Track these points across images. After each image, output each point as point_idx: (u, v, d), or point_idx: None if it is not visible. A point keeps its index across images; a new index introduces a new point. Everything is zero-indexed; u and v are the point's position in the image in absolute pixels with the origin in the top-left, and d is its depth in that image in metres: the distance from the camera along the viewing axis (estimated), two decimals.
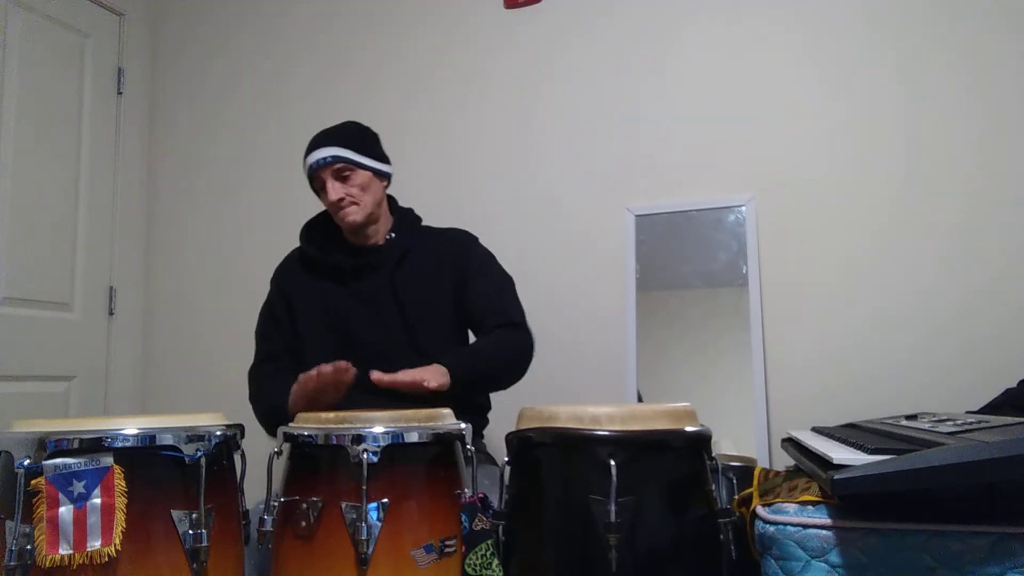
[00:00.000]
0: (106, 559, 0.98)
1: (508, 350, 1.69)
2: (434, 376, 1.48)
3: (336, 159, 1.66)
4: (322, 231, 1.79)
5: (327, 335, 1.70)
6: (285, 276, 1.81)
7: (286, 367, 1.71)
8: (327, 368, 1.43)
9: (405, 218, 1.81)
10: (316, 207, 1.85)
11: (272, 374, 1.72)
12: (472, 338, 1.78)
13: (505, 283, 1.78)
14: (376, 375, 1.45)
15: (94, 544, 0.98)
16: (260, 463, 1.19)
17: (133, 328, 2.78)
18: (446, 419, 1.24)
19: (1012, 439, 0.94)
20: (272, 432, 1.58)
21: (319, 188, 1.71)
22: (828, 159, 2.02)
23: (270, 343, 1.77)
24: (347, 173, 1.67)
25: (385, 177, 1.76)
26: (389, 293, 1.70)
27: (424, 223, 1.85)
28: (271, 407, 1.61)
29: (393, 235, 1.76)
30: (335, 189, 1.66)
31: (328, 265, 1.73)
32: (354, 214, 1.68)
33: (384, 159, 1.76)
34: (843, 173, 2.00)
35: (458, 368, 1.53)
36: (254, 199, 2.70)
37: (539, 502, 1.13)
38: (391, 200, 1.83)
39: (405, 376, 1.46)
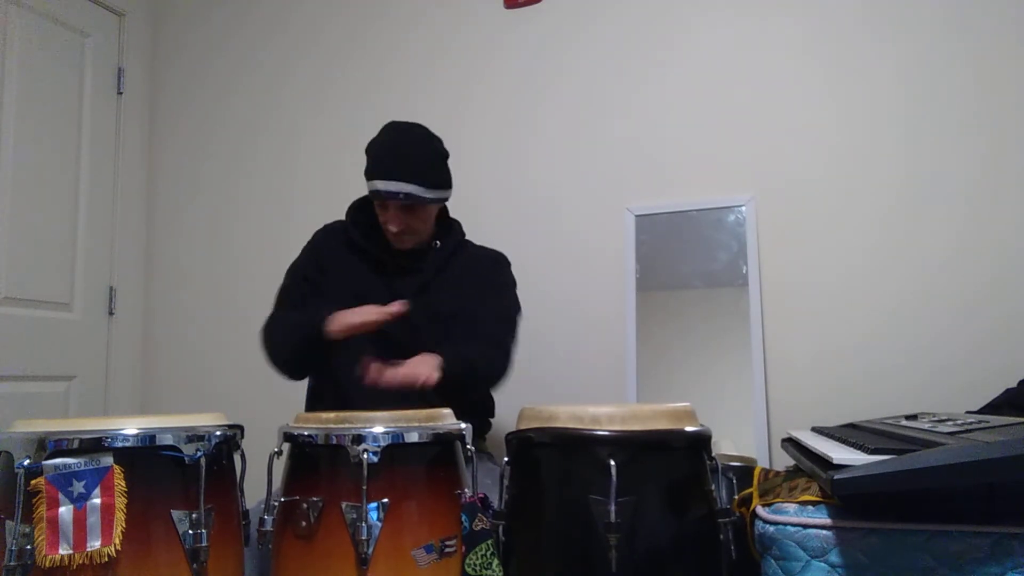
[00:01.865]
0: (106, 559, 0.98)
1: (493, 371, 1.68)
2: (424, 367, 1.45)
3: (408, 197, 1.62)
4: (368, 214, 1.75)
5: None
6: (326, 246, 1.78)
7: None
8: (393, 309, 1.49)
9: (453, 231, 1.80)
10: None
11: (285, 315, 1.72)
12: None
13: (511, 312, 1.76)
14: (371, 377, 1.42)
15: (94, 544, 0.98)
16: (260, 463, 1.20)
17: (133, 328, 2.78)
18: (446, 419, 1.24)
19: (1012, 439, 0.94)
20: (285, 370, 1.67)
21: (380, 206, 1.67)
22: (828, 159, 2.02)
23: (290, 303, 1.74)
24: (415, 209, 1.66)
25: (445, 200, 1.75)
26: (423, 298, 1.68)
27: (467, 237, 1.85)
28: (295, 326, 1.64)
29: (438, 244, 1.75)
30: (396, 221, 1.65)
31: (369, 254, 1.73)
32: (408, 243, 1.70)
33: (449, 183, 1.73)
34: (843, 173, 2.00)
35: (450, 370, 1.50)
36: (254, 199, 2.70)
37: (539, 502, 1.13)
38: (442, 208, 1.81)
39: (398, 375, 1.42)
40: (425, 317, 1.68)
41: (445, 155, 1.73)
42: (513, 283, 1.81)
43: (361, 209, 1.77)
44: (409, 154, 1.66)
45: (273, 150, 2.69)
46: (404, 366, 1.46)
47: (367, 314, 1.53)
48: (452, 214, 1.86)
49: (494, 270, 1.79)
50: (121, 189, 2.76)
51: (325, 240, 1.80)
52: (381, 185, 1.62)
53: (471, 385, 1.67)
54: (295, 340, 1.64)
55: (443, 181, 1.71)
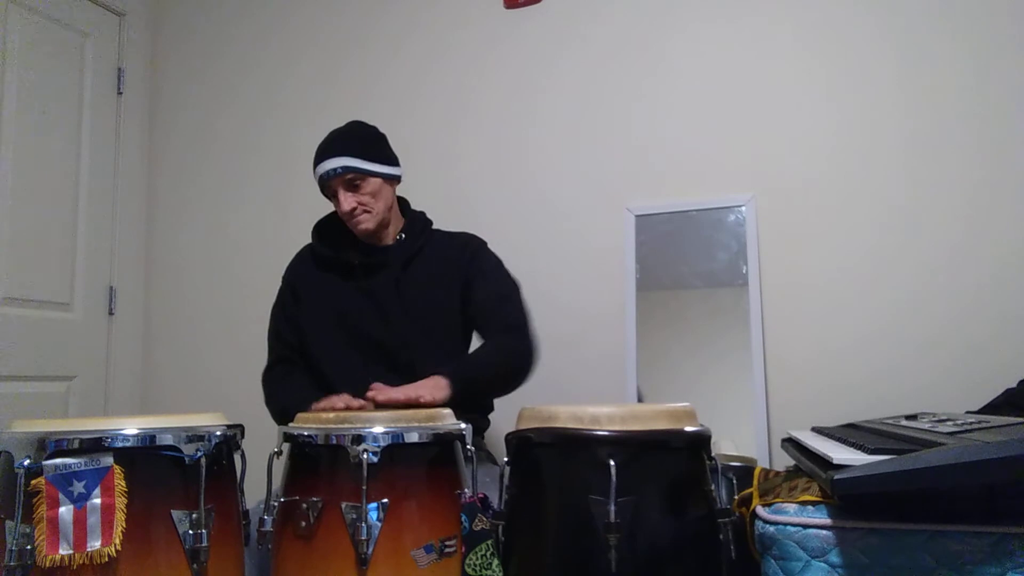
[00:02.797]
0: (106, 559, 0.98)
1: (507, 358, 1.68)
2: (431, 391, 1.45)
3: (346, 169, 1.66)
4: (334, 228, 1.80)
5: (332, 330, 1.72)
6: (295, 271, 1.82)
7: (298, 368, 1.74)
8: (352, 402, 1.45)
9: (416, 221, 1.82)
10: (317, 206, 1.85)
11: (283, 376, 1.74)
12: (476, 339, 1.78)
13: (511, 289, 1.77)
14: (372, 393, 1.43)
15: (94, 544, 0.98)
16: (260, 463, 1.19)
17: (133, 328, 2.78)
18: (446, 419, 1.24)
19: (1012, 439, 0.94)
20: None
21: (330, 195, 1.72)
22: (828, 159, 2.02)
23: (281, 345, 1.78)
24: (358, 182, 1.68)
25: (395, 180, 1.77)
26: (395, 293, 1.71)
27: (434, 226, 1.85)
28: (287, 409, 1.60)
29: (403, 236, 1.77)
30: (347, 199, 1.68)
31: (338, 262, 1.75)
32: (366, 222, 1.70)
33: (392, 161, 1.76)
34: (843, 173, 2.00)
35: (458, 380, 1.51)
36: (254, 199, 2.70)
37: (539, 502, 1.13)
38: (403, 202, 1.85)
39: (400, 394, 1.42)
40: (401, 312, 1.70)
41: (380, 135, 1.78)
42: (498, 260, 1.81)
43: (325, 225, 1.82)
44: (340, 135, 1.74)
45: (273, 150, 2.69)
46: (409, 387, 1.44)
47: (348, 403, 1.50)
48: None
49: (473, 256, 1.78)
50: (121, 189, 2.76)
51: (294, 269, 1.83)
52: (321, 168, 1.69)
53: (495, 383, 1.68)
54: (285, 421, 1.65)
55: (382, 156, 1.74)
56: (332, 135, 1.74)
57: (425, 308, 1.70)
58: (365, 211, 1.69)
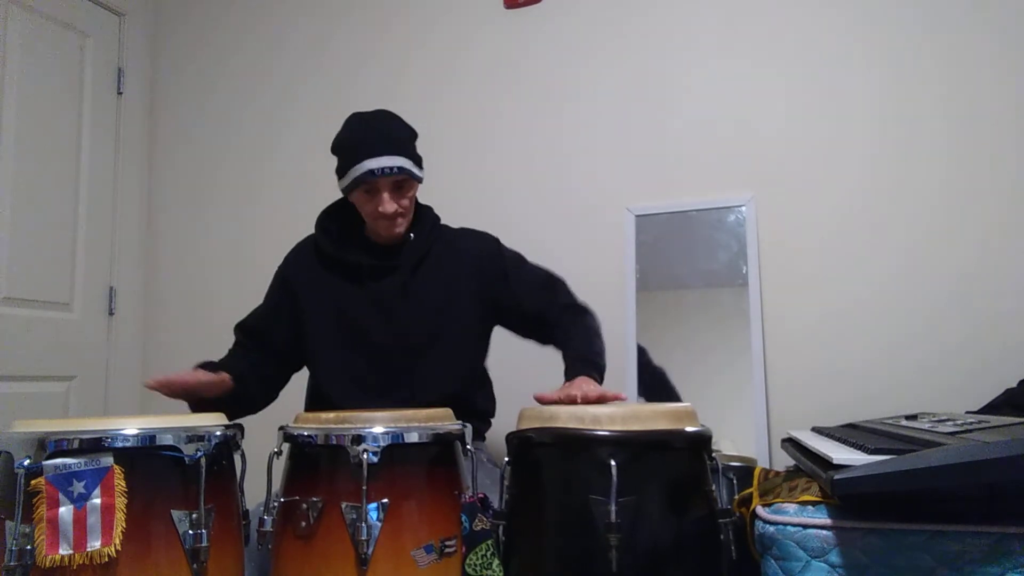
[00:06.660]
0: (106, 559, 0.98)
1: (599, 332, 1.68)
2: (585, 387, 1.41)
3: (402, 171, 1.57)
4: (338, 221, 1.72)
5: (337, 333, 1.66)
6: (294, 266, 1.74)
7: (247, 346, 1.76)
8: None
9: (424, 218, 1.73)
10: (317, 203, 1.84)
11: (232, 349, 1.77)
12: (526, 331, 1.75)
13: (547, 274, 1.74)
14: (539, 395, 1.40)
15: (94, 544, 0.98)
16: (260, 463, 1.20)
17: (133, 328, 2.78)
18: (446, 419, 1.24)
19: (1012, 439, 0.94)
20: None
21: (367, 191, 1.60)
22: (828, 159, 2.02)
23: (241, 332, 1.79)
24: (405, 186, 1.60)
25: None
26: (402, 297, 1.64)
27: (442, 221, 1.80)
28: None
29: (412, 235, 1.68)
30: (391, 202, 1.58)
31: (344, 262, 1.67)
32: (401, 226, 1.63)
33: (422, 161, 1.69)
34: (843, 173, 2.00)
35: (601, 373, 1.51)
36: (254, 198, 2.70)
37: (539, 502, 1.13)
38: None
39: (562, 396, 1.38)
40: (407, 318, 1.64)
41: (416, 134, 1.70)
42: (519, 255, 1.77)
43: (330, 218, 1.73)
44: (392, 130, 1.63)
45: (273, 148, 2.69)
46: (571, 387, 1.42)
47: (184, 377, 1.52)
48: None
49: (492, 255, 1.72)
50: (121, 189, 2.76)
51: (293, 263, 1.76)
52: (373, 163, 1.55)
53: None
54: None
55: (421, 160, 1.67)
56: (380, 125, 1.63)
57: (433, 313, 1.65)
58: (401, 215, 1.61)
